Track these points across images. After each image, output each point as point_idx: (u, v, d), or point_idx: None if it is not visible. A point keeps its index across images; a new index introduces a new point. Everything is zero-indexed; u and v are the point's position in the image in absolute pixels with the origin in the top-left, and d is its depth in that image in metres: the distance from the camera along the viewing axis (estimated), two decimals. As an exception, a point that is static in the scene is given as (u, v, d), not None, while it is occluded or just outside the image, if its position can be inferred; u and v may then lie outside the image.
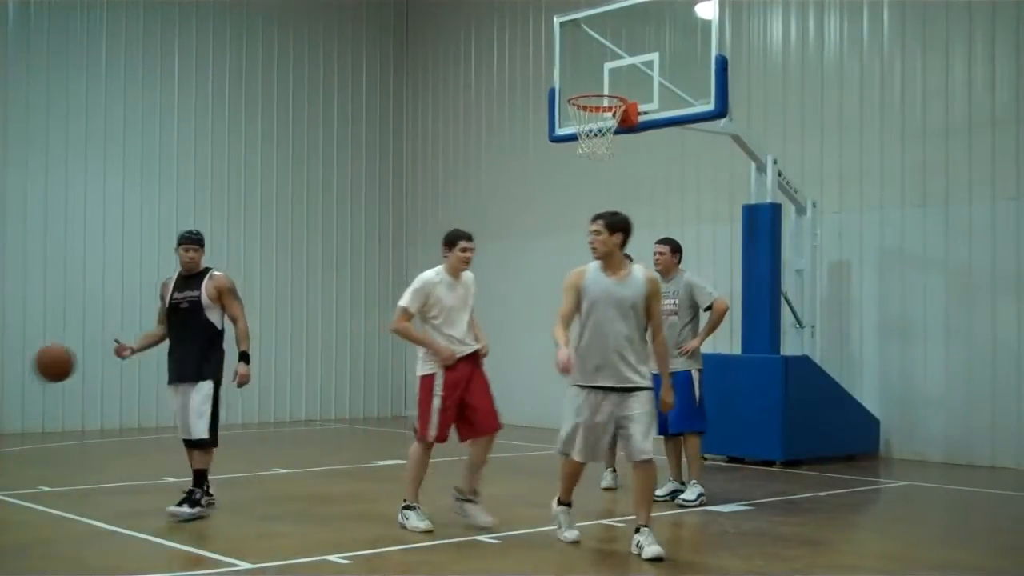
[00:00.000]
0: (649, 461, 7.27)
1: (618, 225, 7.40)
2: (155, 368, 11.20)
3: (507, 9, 18.00)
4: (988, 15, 12.65)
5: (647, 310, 7.40)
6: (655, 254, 9.86)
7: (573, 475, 7.68)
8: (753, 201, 12.79)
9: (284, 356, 18.15)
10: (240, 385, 8.83)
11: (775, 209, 12.65)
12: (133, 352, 9.04)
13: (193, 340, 8.79)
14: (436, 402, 8.23)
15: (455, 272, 8.44)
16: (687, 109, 11.68)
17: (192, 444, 8.79)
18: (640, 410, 7.28)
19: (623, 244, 7.47)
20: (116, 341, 9.05)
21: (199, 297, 8.78)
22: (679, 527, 8.86)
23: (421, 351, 8.41)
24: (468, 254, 8.45)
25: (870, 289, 13.60)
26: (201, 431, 8.70)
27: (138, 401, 16.47)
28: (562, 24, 12.70)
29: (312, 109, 18.79)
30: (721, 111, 11.39)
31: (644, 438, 7.24)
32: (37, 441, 14.72)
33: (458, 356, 8.28)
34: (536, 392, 15.85)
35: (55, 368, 8.53)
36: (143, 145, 17.00)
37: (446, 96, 19.12)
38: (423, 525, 8.13)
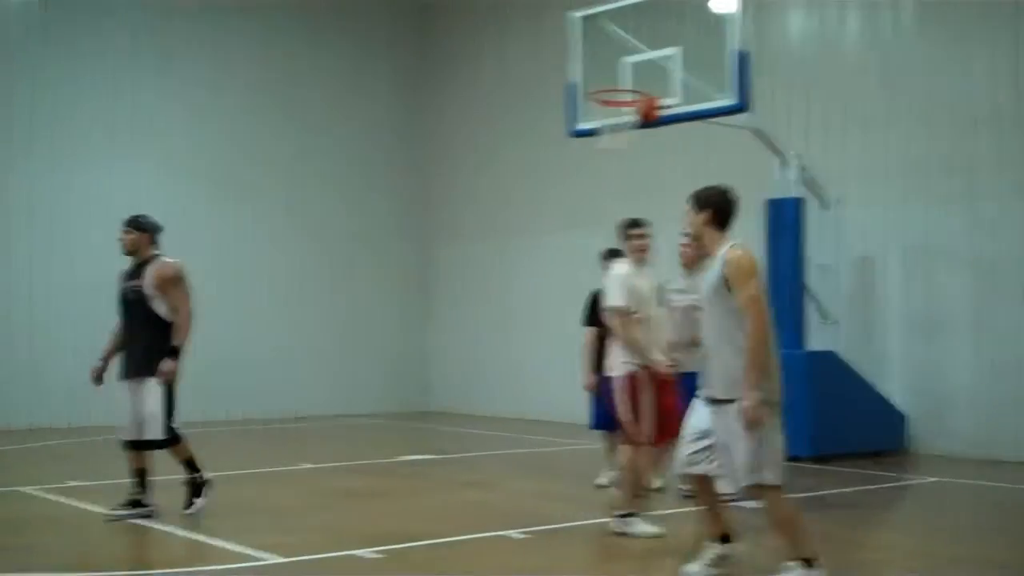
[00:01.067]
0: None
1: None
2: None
3: (528, 4, 17.99)
4: (1012, 7, 12.58)
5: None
6: (681, 247, 9.72)
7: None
8: (776, 196, 12.76)
9: (307, 351, 18.21)
10: (163, 382, 8.23)
11: (799, 204, 12.62)
12: (104, 366, 8.52)
13: (139, 333, 8.33)
14: (645, 399, 7.73)
15: (638, 261, 8.07)
16: (708, 103, 11.65)
17: (141, 445, 8.31)
18: None
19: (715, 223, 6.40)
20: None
21: (141, 286, 8.31)
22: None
23: (617, 349, 7.82)
24: (638, 241, 8.09)
25: (895, 284, 13.55)
26: (154, 433, 8.25)
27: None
28: (581, 19, 12.69)
29: (334, 106, 18.84)
30: (743, 105, 11.35)
31: None
32: (63, 436, 14.83)
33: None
34: (552, 384, 15.87)
35: None
36: (168, 143, 17.11)
37: (467, 91, 19.14)
38: (652, 529, 7.63)
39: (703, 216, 6.37)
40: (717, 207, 6.41)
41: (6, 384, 15.61)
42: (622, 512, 7.74)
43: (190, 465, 8.56)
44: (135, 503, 8.33)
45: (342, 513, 9.02)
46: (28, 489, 9.93)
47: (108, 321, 8.56)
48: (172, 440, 8.39)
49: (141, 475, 8.41)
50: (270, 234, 18.03)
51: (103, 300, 15.86)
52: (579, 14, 12.69)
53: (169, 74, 17.28)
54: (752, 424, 5.86)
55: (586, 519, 8.53)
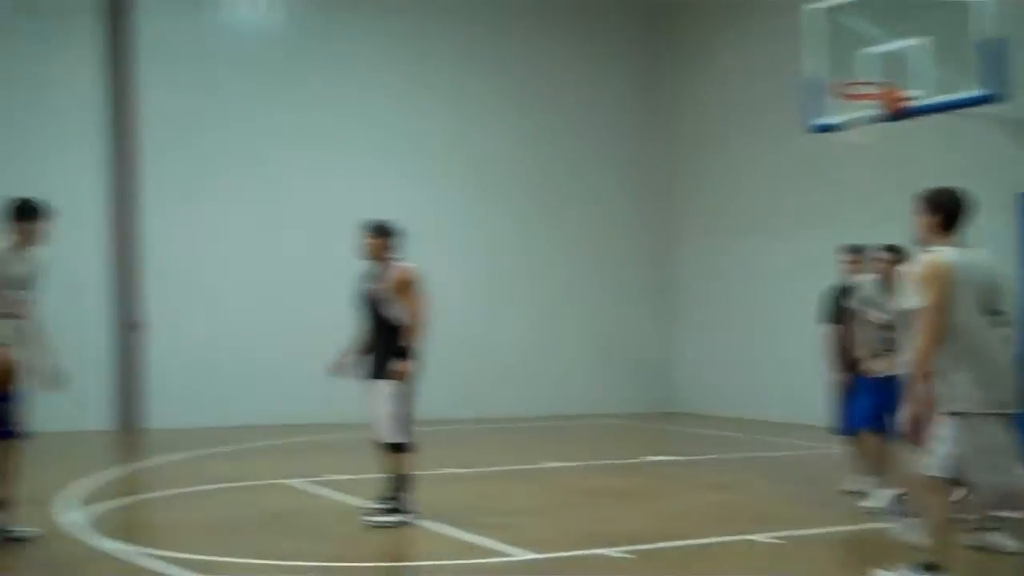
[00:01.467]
0: None
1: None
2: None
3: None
4: None
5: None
6: (876, 261, 9.03)
7: None
8: (1031, 191, 12.18)
9: (552, 350, 18.41)
10: (396, 384, 8.30)
11: (1055, 199, 12.01)
12: (341, 363, 8.78)
13: (375, 336, 8.51)
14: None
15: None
16: (959, 94, 11.23)
17: (383, 447, 8.48)
18: None
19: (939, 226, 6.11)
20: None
21: (379, 290, 8.51)
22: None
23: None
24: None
25: None
26: (388, 436, 8.36)
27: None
28: (819, 12, 12.45)
29: (572, 104, 18.98)
30: (997, 94, 10.91)
31: None
32: (322, 432, 15.54)
33: None
34: (796, 386, 15.57)
35: None
36: (419, 147, 17.67)
37: (707, 88, 18.96)
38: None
39: (933, 220, 6.10)
40: (948, 211, 6.08)
41: (265, 381, 16.45)
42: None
43: (401, 481, 8.43)
44: (392, 507, 8.38)
45: (589, 512, 9.15)
46: (290, 482, 10.49)
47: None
48: (404, 447, 8.36)
49: (399, 481, 8.49)
50: (517, 236, 18.31)
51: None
52: (817, 6, 12.45)
53: (419, 79, 17.82)
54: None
55: (836, 525, 8.39)
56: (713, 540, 7.79)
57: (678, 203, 19.46)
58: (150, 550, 7.36)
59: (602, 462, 12.44)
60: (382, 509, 8.38)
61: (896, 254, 8.70)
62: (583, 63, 19.15)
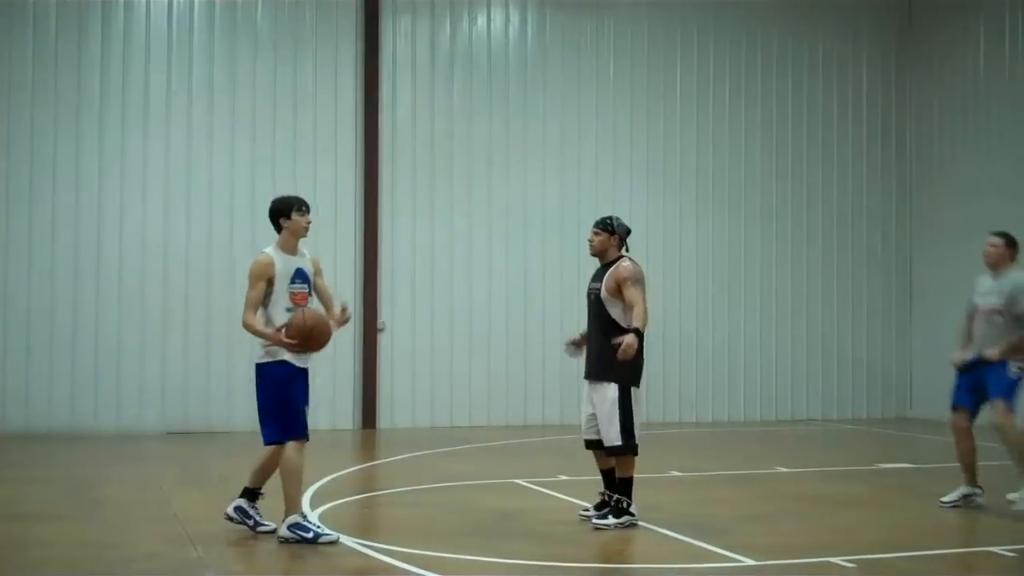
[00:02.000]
0: None
1: None
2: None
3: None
4: None
5: None
6: (987, 245, 9.34)
7: None
8: None
9: (783, 356, 18.11)
10: (619, 356, 8.14)
11: None
12: (575, 344, 8.86)
13: (596, 336, 8.52)
14: None
15: None
16: None
17: (607, 449, 8.42)
18: None
19: None
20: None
21: (599, 289, 8.46)
22: None
23: None
24: None
25: None
26: (612, 438, 8.32)
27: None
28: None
29: (813, 107, 18.56)
30: None
31: None
32: (555, 433, 15.77)
33: None
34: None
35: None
36: (643, 153, 17.68)
37: (952, 88, 18.16)
38: None
39: None
40: None
41: (497, 384, 16.79)
42: None
43: (625, 485, 8.39)
44: (617, 509, 8.39)
45: (815, 519, 8.96)
46: (521, 481, 10.70)
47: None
48: (628, 449, 8.34)
49: (609, 476, 8.56)
50: (749, 238, 18.08)
51: (575, 304, 16.96)
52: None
53: (659, 87, 17.79)
54: None
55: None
56: (946, 552, 7.49)
57: (921, 206, 18.73)
58: (381, 544, 7.68)
59: (833, 468, 12.10)
60: (604, 511, 8.44)
61: (1005, 239, 9.31)
62: (827, 66, 18.70)
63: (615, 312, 8.39)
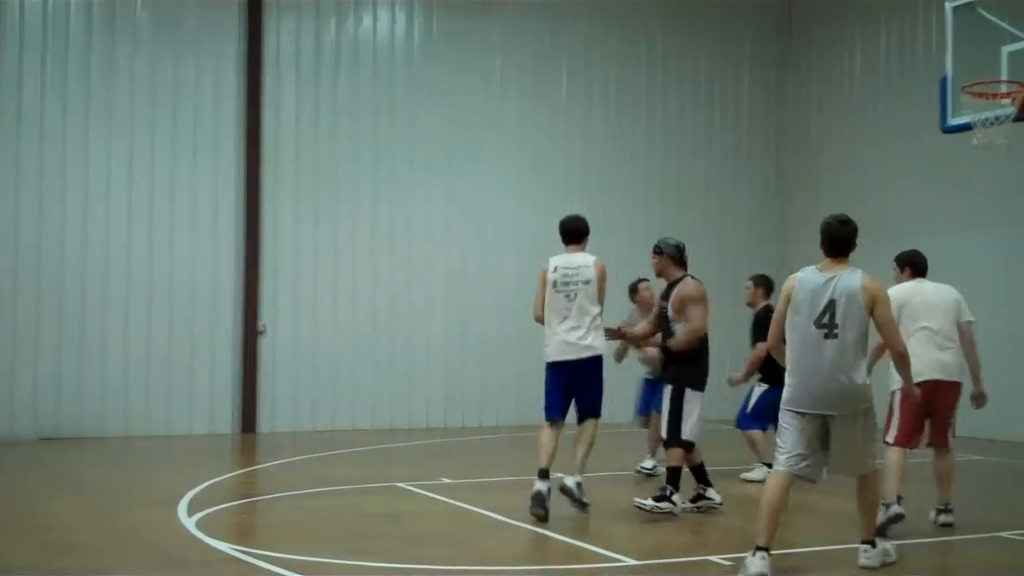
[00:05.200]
0: None
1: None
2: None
3: (894, -3, 17.32)
4: None
5: None
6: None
7: None
8: None
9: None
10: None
11: None
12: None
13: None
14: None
15: None
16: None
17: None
18: None
19: None
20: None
21: (667, 308, 9.14)
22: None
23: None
24: None
25: None
26: (663, 432, 9.05)
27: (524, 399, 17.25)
28: (955, 9, 12.04)
29: (691, 106, 18.87)
30: None
31: None
32: (439, 436, 15.68)
33: None
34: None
35: None
36: (530, 153, 17.72)
37: (830, 89, 18.62)
38: None
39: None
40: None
41: (384, 387, 16.66)
42: None
43: (671, 474, 8.94)
44: (661, 495, 8.84)
45: (696, 518, 9.02)
46: (403, 485, 10.58)
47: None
48: (672, 443, 8.93)
49: (693, 470, 9.20)
50: (633, 236, 18.13)
51: (469, 308, 16.91)
52: (954, 4, 12.04)
53: (545, 88, 17.85)
54: None
55: (942, 536, 8.12)
56: (818, 549, 7.59)
57: (798, 207, 19.11)
58: (261, 551, 7.51)
59: (715, 468, 12.18)
60: (656, 496, 8.87)
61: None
62: (710, 69, 19.04)
63: (679, 329, 9.03)
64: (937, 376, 8.22)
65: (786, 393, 6.89)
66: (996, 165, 14.43)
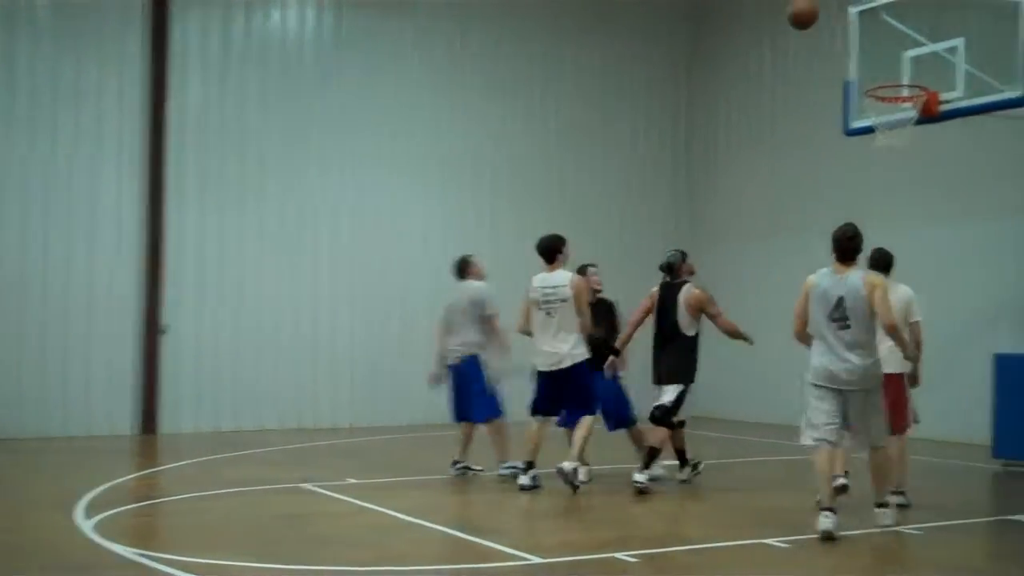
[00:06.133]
0: None
1: None
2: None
3: (801, 1, 17.53)
4: None
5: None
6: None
7: None
8: (1070, 192, 11.94)
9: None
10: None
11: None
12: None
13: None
14: None
15: None
16: (994, 96, 11.01)
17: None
18: None
19: None
20: None
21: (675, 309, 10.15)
22: (977, 535, 8.42)
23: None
24: None
25: None
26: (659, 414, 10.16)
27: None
28: (859, 14, 12.25)
29: (599, 107, 18.94)
30: (1033, 97, 10.66)
31: None
32: (345, 435, 15.53)
33: None
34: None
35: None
36: (440, 150, 17.63)
37: (736, 92, 18.84)
38: None
39: None
40: None
41: (289, 387, 16.47)
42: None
43: (680, 454, 10.61)
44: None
45: (601, 516, 9.08)
46: (308, 486, 10.43)
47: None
48: (661, 421, 10.07)
49: (679, 453, 10.61)
50: (534, 231, 18.17)
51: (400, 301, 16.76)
52: (857, 9, 12.25)
53: (450, 88, 17.77)
54: None
55: (852, 530, 8.23)
56: (729, 544, 7.62)
57: (705, 210, 19.32)
58: (161, 554, 7.33)
59: (619, 466, 12.25)
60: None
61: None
62: (619, 73, 19.15)
63: (685, 325, 10.26)
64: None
65: (812, 372, 8.20)
66: (899, 166, 14.71)
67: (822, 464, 8.07)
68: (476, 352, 10.90)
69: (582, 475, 10.20)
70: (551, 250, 10.24)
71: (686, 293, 10.14)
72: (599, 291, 11.05)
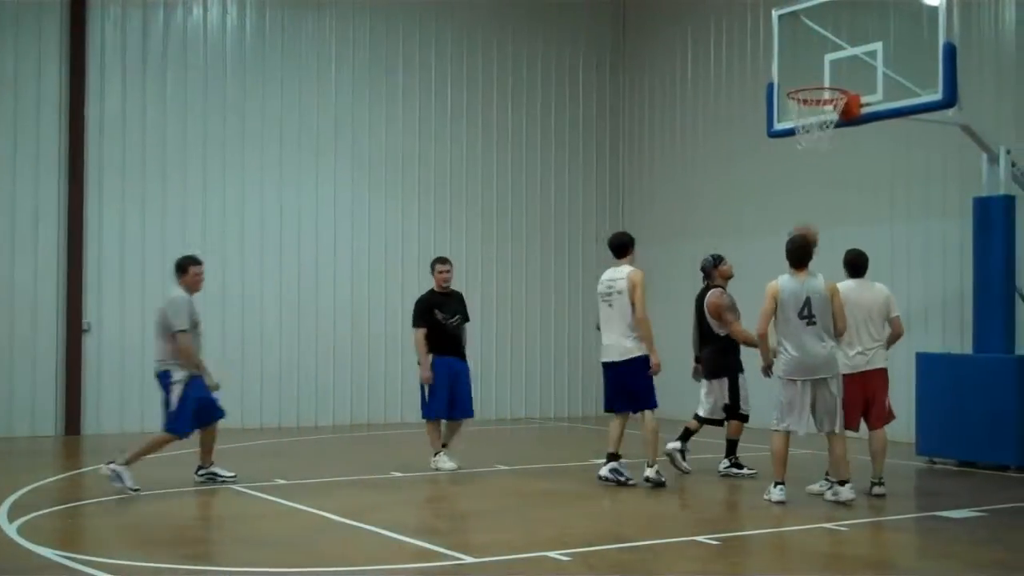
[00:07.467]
0: None
1: None
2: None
3: (724, 4, 17.75)
4: None
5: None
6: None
7: None
8: (985, 193, 12.24)
9: (501, 355, 18.41)
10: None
11: (1008, 201, 12.08)
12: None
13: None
14: None
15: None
16: (913, 99, 11.28)
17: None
18: None
19: None
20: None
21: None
22: (904, 532, 8.61)
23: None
24: None
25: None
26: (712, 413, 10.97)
27: (368, 399, 17.17)
28: (781, 17, 12.46)
29: (527, 109, 18.99)
30: (950, 100, 10.95)
31: None
32: (273, 436, 15.41)
33: None
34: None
35: None
36: (364, 150, 17.55)
37: (663, 93, 19.01)
38: None
39: None
40: None
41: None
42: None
43: (730, 445, 11.04)
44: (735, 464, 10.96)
45: (534, 515, 9.09)
46: (238, 487, 10.36)
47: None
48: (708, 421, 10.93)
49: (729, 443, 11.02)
50: (465, 243, 18.22)
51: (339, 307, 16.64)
52: (779, 12, 12.44)
53: (379, 83, 17.70)
54: None
55: (779, 527, 8.38)
56: (661, 541, 7.71)
57: (632, 208, 19.48)
58: (86, 557, 7.23)
59: (552, 465, 12.35)
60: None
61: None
62: (545, 70, 19.20)
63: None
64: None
65: (781, 366, 9.21)
66: (823, 168, 14.96)
67: (779, 446, 9.20)
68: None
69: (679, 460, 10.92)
70: (620, 245, 10.63)
71: (708, 299, 10.97)
72: (446, 288, 12.00)
